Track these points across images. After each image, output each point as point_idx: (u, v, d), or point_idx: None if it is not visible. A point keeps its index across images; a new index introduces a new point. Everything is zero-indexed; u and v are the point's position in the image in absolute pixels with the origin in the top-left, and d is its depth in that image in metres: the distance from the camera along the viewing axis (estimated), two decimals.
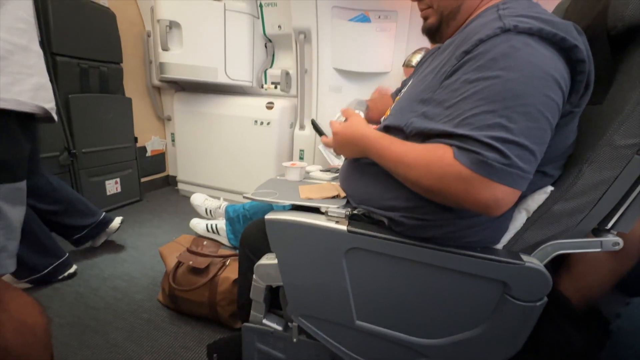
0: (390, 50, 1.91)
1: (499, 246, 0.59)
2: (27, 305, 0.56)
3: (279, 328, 0.78)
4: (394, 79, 1.97)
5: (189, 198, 1.76)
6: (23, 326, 0.53)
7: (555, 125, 0.46)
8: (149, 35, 2.18)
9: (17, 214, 0.62)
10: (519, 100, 0.41)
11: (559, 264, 0.73)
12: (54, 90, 1.82)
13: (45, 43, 1.56)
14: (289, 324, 0.77)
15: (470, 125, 0.42)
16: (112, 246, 1.60)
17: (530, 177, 0.43)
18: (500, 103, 0.41)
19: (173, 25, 1.83)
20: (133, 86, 2.15)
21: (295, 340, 0.77)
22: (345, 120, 0.68)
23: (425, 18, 0.65)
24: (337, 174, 0.94)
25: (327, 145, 0.72)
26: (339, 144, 0.66)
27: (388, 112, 0.69)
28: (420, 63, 0.75)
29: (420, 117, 0.53)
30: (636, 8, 0.49)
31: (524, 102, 0.41)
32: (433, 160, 0.44)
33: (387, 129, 0.60)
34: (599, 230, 0.57)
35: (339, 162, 1.33)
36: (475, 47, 0.47)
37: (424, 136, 0.51)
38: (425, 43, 1.65)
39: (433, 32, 0.65)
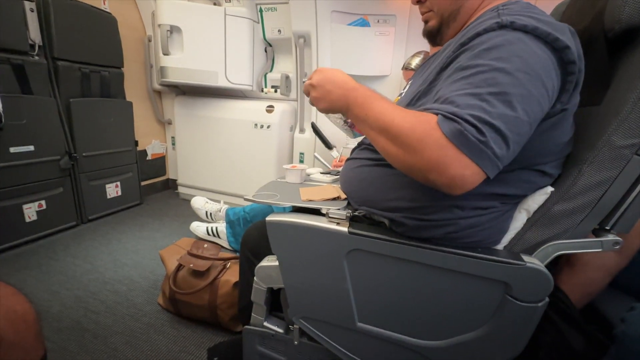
0: (389, 54, 1.93)
1: (500, 247, 0.59)
2: (13, 294, 0.53)
3: (280, 331, 0.78)
4: (393, 82, 1.98)
5: (189, 201, 1.75)
6: (13, 313, 0.50)
7: (536, 125, 0.47)
8: (149, 40, 2.19)
9: None
10: (501, 88, 0.42)
11: (558, 261, 0.72)
12: (54, 95, 1.83)
13: (47, 48, 1.58)
14: (290, 326, 0.77)
15: (454, 103, 0.44)
16: (112, 250, 1.59)
17: (500, 165, 0.43)
18: (484, 89, 0.43)
19: (174, 29, 1.85)
20: (134, 90, 2.17)
21: (296, 342, 0.77)
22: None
23: (426, 21, 0.66)
24: (337, 177, 0.94)
25: (306, 91, 0.63)
26: (319, 83, 0.59)
27: None
28: (421, 66, 0.76)
29: (417, 108, 0.54)
30: (632, 10, 0.49)
31: (506, 91, 0.42)
32: (420, 121, 0.45)
33: None
34: (599, 230, 0.57)
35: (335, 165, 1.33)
36: (471, 40, 0.49)
37: None
38: (424, 46, 1.67)
39: (434, 35, 0.66)
